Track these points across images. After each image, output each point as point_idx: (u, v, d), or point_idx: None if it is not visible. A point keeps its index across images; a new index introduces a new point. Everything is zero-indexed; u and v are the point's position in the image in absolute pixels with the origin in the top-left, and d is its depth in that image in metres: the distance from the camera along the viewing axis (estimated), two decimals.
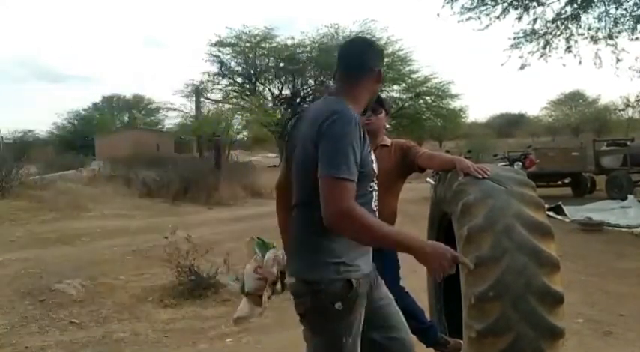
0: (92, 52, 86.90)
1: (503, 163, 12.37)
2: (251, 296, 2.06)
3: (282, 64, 28.89)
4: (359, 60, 1.76)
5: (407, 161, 2.71)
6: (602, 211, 9.62)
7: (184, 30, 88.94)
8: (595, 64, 10.69)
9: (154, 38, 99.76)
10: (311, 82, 30.34)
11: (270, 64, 29.11)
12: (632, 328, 3.31)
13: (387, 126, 2.89)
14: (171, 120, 35.19)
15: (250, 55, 28.52)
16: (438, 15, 10.96)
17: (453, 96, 29.19)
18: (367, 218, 1.54)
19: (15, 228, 7.87)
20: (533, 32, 10.79)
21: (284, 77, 29.86)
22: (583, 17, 10.56)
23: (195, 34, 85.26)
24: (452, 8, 10.60)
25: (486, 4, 10.48)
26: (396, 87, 29.49)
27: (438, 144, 34.84)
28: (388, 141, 2.79)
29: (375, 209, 1.80)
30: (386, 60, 28.69)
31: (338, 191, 1.51)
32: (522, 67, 11.12)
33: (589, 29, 10.64)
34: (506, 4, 10.47)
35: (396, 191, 2.78)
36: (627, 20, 10.42)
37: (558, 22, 10.58)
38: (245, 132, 29.60)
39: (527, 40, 10.93)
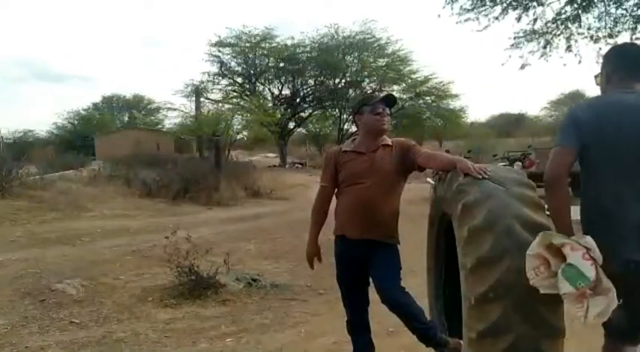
0: (92, 52, 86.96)
1: (503, 163, 12.35)
2: (598, 287, 1.83)
3: (282, 64, 28.91)
4: None
5: (407, 160, 2.72)
6: None
7: (184, 30, 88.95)
8: (597, 63, 10.69)
9: (153, 38, 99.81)
10: (311, 82, 30.36)
11: (270, 64, 29.12)
12: None
13: None
14: (171, 120, 35.06)
15: (250, 55, 28.54)
16: (439, 16, 10.90)
17: (452, 96, 29.23)
18: None
19: (15, 228, 7.87)
20: (534, 32, 10.79)
21: (284, 77, 29.88)
22: (583, 17, 10.56)
23: (195, 34, 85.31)
24: (452, 9, 10.60)
25: (485, 5, 10.47)
26: (396, 87, 29.52)
27: (438, 144, 34.82)
28: (389, 140, 2.79)
29: None
30: (386, 60, 28.80)
31: None
32: (523, 66, 11.11)
33: (589, 29, 10.64)
34: (505, 5, 10.46)
35: (397, 190, 2.78)
36: (627, 20, 10.42)
37: (558, 22, 10.57)
38: (245, 132, 29.55)
39: (527, 40, 10.93)
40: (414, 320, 2.64)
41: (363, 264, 2.75)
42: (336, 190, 2.85)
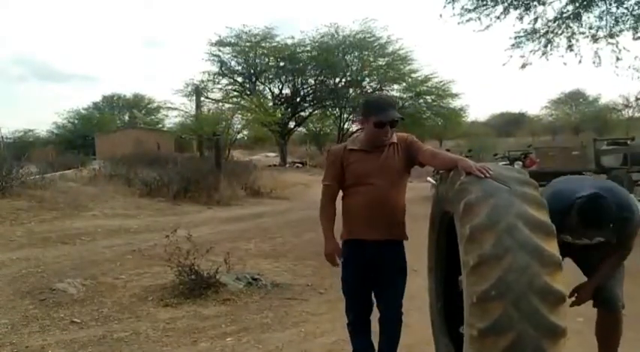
0: (92, 51, 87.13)
1: (504, 163, 12.36)
2: None
3: (282, 64, 28.92)
4: None
5: (409, 156, 2.70)
6: None
7: (184, 30, 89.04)
8: (594, 62, 10.69)
9: (154, 38, 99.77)
10: (311, 81, 30.35)
11: (270, 64, 29.14)
12: (632, 328, 3.30)
13: None
14: (171, 120, 35.14)
15: (250, 55, 28.55)
16: (441, 16, 10.80)
17: (453, 96, 29.21)
18: None
19: (15, 227, 7.85)
20: (535, 31, 10.78)
21: (284, 76, 29.88)
22: (584, 16, 10.55)
23: (195, 34, 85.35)
24: (453, 9, 10.58)
25: (486, 5, 10.45)
26: (396, 86, 29.53)
27: (438, 144, 34.82)
28: (395, 138, 2.76)
29: None
30: (386, 59, 28.77)
31: None
32: (524, 66, 11.11)
33: (590, 28, 10.62)
34: (506, 4, 10.44)
35: (403, 186, 2.78)
36: (628, 19, 10.41)
37: (560, 21, 10.56)
38: (245, 132, 29.57)
39: (528, 39, 10.92)
40: (390, 345, 2.75)
41: (373, 265, 2.71)
42: (341, 192, 2.79)
